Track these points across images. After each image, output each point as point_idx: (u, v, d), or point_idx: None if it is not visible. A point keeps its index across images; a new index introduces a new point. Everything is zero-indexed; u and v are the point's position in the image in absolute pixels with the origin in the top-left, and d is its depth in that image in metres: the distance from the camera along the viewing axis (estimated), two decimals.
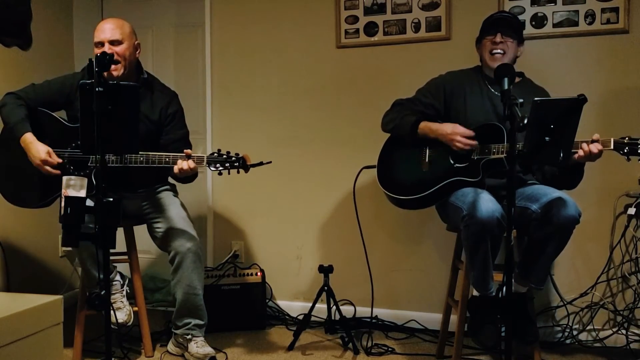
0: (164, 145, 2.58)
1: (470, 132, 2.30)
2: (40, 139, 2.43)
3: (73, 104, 2.56)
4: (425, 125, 2.40)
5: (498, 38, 2.36)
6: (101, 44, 2.49)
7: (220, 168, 2.37)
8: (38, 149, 2.40)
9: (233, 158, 2.38)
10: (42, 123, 2.49)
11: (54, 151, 2.44)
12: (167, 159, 2.40)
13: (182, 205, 2.70)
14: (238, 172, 2.40)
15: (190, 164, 2.36)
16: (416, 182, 2.41)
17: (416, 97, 2.54)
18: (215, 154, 2.39)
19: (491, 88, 2.45)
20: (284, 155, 3.26)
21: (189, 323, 2.60)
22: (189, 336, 2.59)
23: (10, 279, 3.07)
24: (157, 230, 2.60)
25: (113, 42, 2.50)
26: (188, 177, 2.51)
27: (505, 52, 2.37)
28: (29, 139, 2.42)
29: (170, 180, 2.74)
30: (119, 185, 2.48)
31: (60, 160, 2.42)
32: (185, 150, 2.39)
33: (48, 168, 2.39)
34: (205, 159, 2.38)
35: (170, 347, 2.71)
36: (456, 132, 2.31)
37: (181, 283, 2.55)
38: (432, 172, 2.41)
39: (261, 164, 2.37)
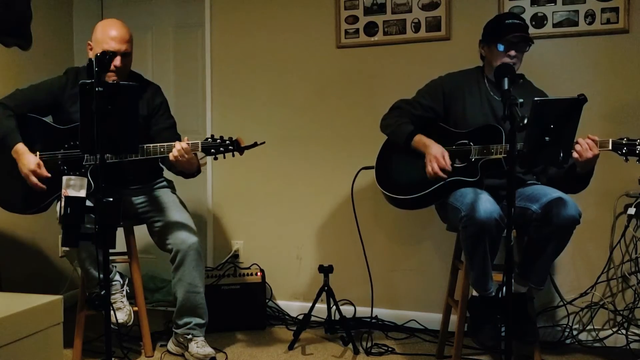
0: (154, 136, 2.57)
1: (449, 167, 2.29)
2: (32, 143, 2.44)
3: (62, 107, 2.56)
4: (419, 139, 2.40)
5: (513, 52, 2.35)
6: (114, 54, 2.45)
7: (214, 152, 2.37)
8: (29, 160, 2.40)
9: (227, 142, 2.38)
10: (32, 128, 2.48)
11: (46, 154, 2.46)
12: (162, 149, 2.40)
13: (181, 202, 2.70)
14: (233, 155, 2.40)
15: (183, 145, 2.35)
16: (415, 181, 2.41)
17: (416, 100, 2.53)
18: (209, 139, 2.39)
19: (490, 91, 2.45)
20: (283, 155, 3.27)
21: (190, 322, 2.59)
22: (190, 336, 2.58)
23: (2, 279, 3.06)
24: (156, 228, 2.59)
25: (124, 55, 2.51)
26: (189, 169, 2.49)
27: (516, 64, 2.38)
28: (20, 150, 2.42)
29: (168, 176, 2.74)
30: (115, 182, 2.47)
31: (48, 175, 2.41)
32: (184, 139, 2.39)
33: (34, 179, 2.38)
34: (199, 145, 2.38)
35: (171, 346, 2.71)
36: (438, 157, 2.30)
37: (182, 282, 2.55)
38: None
39: (255, 144, 2.38)
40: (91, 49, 2.55)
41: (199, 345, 2.55)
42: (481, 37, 2.49)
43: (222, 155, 2.38)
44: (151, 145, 2.41)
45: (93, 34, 2.55)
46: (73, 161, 2.47)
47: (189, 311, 2.59)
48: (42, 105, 2.55)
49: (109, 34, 2.49)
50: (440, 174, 2.29)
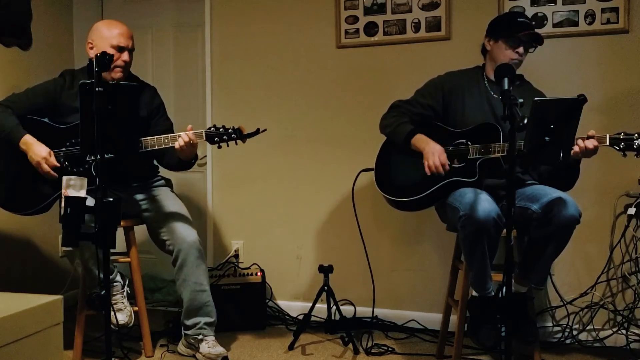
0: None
1: (446, 163, 2.30)
2: None
3: (59, 108, 2.56)
4: (419, 138, 2.40)
5: (521, 50, 2.37)
6: (123, 49, 2.51)
7: (218, 140, 2.39)
8: (39, 149, 2.43)
9: (230, 130, 2.40)
10: (33, 129, 2.49)
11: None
12: (166, 140, 2.42)
13: (180, 201, 2.70)
14: (236, 143, 2.42)
15: (190, 135, 2.37)
16: (414, 183, 2.41)
17: (414, 99, 2.54)
18: (212, 129, 2.41)
19: (490, 90, 2.45)
20: (283, 155, 3.27)
21: (199, 322, 2.57)
22: (200, 336, 2.56)
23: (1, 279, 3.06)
24: (155, 228, 2.59)
25: (131, 51, 2.55)
26: (190, 157, 2.50)
27: (521, 62, 2.40)
28: (29, 140, 2.45)
29: (165, 175, 2.73)
30: (113, 180, 2.47)
31: (57, 164, 2.44)
32: (188, 127, 2.41)
33: (46, 167, 2.41)
34: (203, 134, 2.40)
35: (181, 347, 2.68)
36: (436, 153, 2.31)
37: (187, 282, 2.54)
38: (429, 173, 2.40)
39: (257, 131, 2.41)
40: (92, 48, 2.55)
41: (210, 345, 2.53)
42: (488, 31, 2.47)
43: (225, 143, 2.40)
44: (155, 137, 2.42)
45: (93, 33, 2.56)
46: (76, 158, 2.48)
47: (197, 311, 2.57)
48: (39, 109, 2.56)
49: (116, 31, 2.53)
50: (440, 168, 2.30)
